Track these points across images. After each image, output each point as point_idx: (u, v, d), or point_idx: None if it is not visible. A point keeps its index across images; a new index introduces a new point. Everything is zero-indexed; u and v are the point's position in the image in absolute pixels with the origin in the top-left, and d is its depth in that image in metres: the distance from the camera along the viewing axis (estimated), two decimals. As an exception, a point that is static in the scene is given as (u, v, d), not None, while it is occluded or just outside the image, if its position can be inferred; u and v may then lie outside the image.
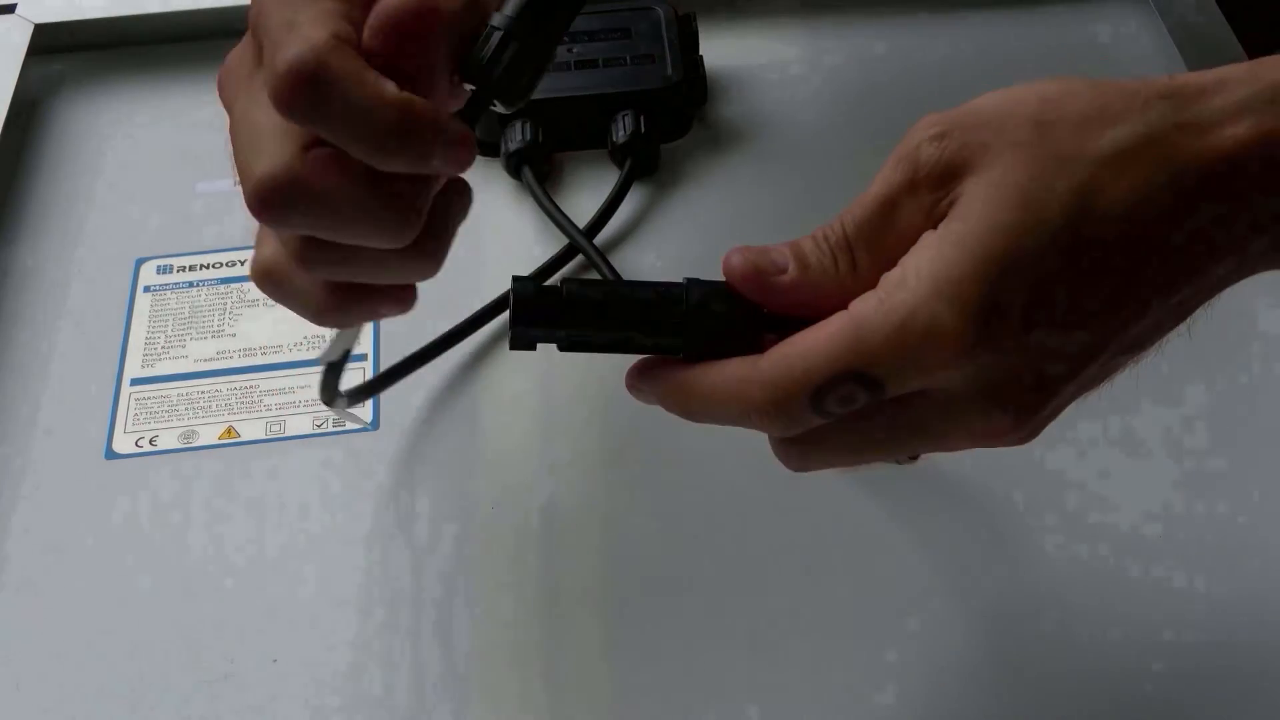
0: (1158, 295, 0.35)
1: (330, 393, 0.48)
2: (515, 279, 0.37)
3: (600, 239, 0.62)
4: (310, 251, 0.38)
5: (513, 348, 0.37)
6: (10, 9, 0.72)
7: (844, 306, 0.36)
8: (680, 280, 0.38)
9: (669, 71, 0.65)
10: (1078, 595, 0.50)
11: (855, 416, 0.36)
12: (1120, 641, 0.49)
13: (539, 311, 0.37)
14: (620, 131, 0.64)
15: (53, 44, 0.72)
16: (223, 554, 0.52)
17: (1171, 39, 0.68)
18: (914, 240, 0.36)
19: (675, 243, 0.62)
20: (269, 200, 0.36)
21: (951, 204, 0.35)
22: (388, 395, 0.57)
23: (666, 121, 0.66)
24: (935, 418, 0.36)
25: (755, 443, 0.54)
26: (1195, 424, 0.55)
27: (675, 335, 0.37)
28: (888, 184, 0.36)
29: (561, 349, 0.38)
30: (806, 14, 0.72)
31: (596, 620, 0.50)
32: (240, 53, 0.40)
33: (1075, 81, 0.36)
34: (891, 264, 0.36)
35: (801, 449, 0.38)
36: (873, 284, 0.36)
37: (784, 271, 0.37)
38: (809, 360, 0.35)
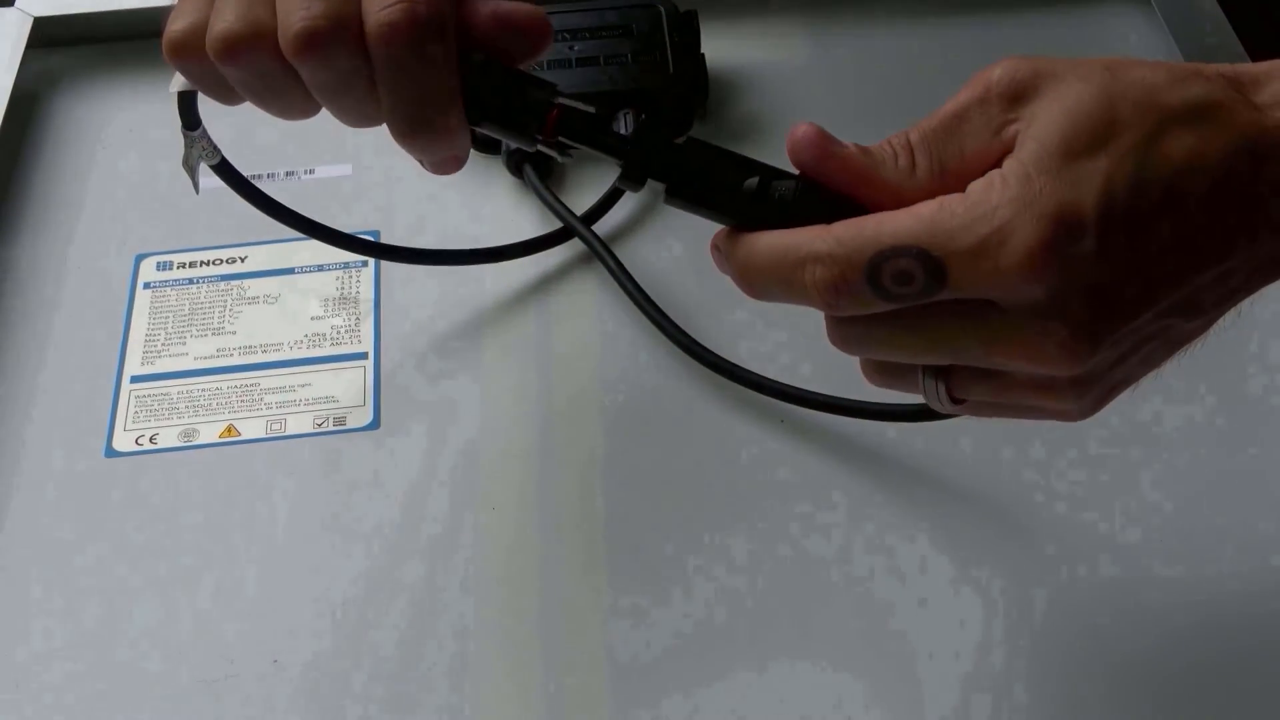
0: (1214, 251, 0.36)
1: (191, 118, 0.50)
2: (646, 116, 0.38)
3: (602, 236, 0.61)
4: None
5: (623, 177, 0.42)
6: (10, 2, 0.71)
7: (895, 204, 0.37)
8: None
9: (670, 69, 0.65)
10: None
11: (910, 310, 0.37)
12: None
13: (654, 155, 0.41)
14: (621, 129, 0.64)
15: (52, 38, 0.71)
16: (222, 553, 0.52)
17: (1174, 40, 0.68)
18: (977, 160, 0.37)
19: (676, 240, 0.62)
20: (317, 41, 0.41)
21: (1024, 127, 0.36)
22: (387, 395, 0.57)
23: (668, 119, 0.66)
24: (994, 323, 0.37)
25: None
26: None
27: (759, 216, 0.39)
28: (958, 100, 0.38)
29: (666, 198, 0.41)
30: (808, 13, 0.72)
31: (599, 620, 0.50)
32: None
33: (1140, 59, 0.38)
34: (952, 178, 0.37)
35: (850, 329, 0.39)
36: (929, 192, 0.37)
37: (846, 148, 0.38)
38: (882, 227, 0.36)
